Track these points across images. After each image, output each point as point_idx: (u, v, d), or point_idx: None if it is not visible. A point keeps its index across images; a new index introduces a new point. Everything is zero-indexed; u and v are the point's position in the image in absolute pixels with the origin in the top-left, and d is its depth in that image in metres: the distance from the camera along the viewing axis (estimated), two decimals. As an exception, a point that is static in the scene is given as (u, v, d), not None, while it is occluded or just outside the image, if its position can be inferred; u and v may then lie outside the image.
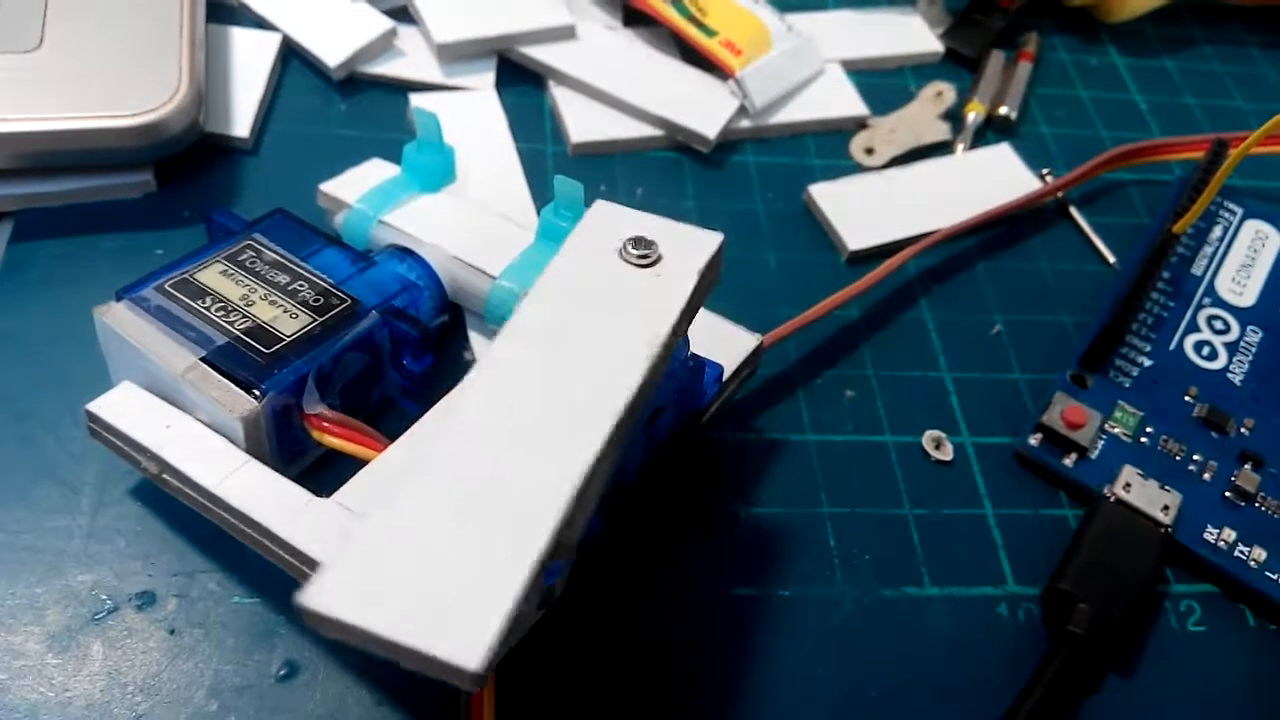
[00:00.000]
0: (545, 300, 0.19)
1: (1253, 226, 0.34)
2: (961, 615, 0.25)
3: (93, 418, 0.22)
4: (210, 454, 0.22)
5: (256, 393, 0.22)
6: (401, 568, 0.15)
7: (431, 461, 0.16)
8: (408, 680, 0.22)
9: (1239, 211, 0.34)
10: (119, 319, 0.23)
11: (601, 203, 0.21)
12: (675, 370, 0.22)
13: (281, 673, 0.22)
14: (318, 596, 0.15)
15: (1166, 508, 0.26)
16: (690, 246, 0.20)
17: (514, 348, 0.18)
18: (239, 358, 0.22)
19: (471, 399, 0.17)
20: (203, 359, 0.22)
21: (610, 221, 0.20)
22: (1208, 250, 0.33)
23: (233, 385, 0.22)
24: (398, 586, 0.15)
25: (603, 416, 0.17)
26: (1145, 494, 0.26)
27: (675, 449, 0.24)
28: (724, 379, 0.24)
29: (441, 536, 0.15)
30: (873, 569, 0.25)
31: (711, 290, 0.21)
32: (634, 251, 0.19)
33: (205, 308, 0.23)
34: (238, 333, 0.23)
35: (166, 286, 0.23)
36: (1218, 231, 0.34)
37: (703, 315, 0.26)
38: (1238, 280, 0.32)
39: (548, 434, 0.17)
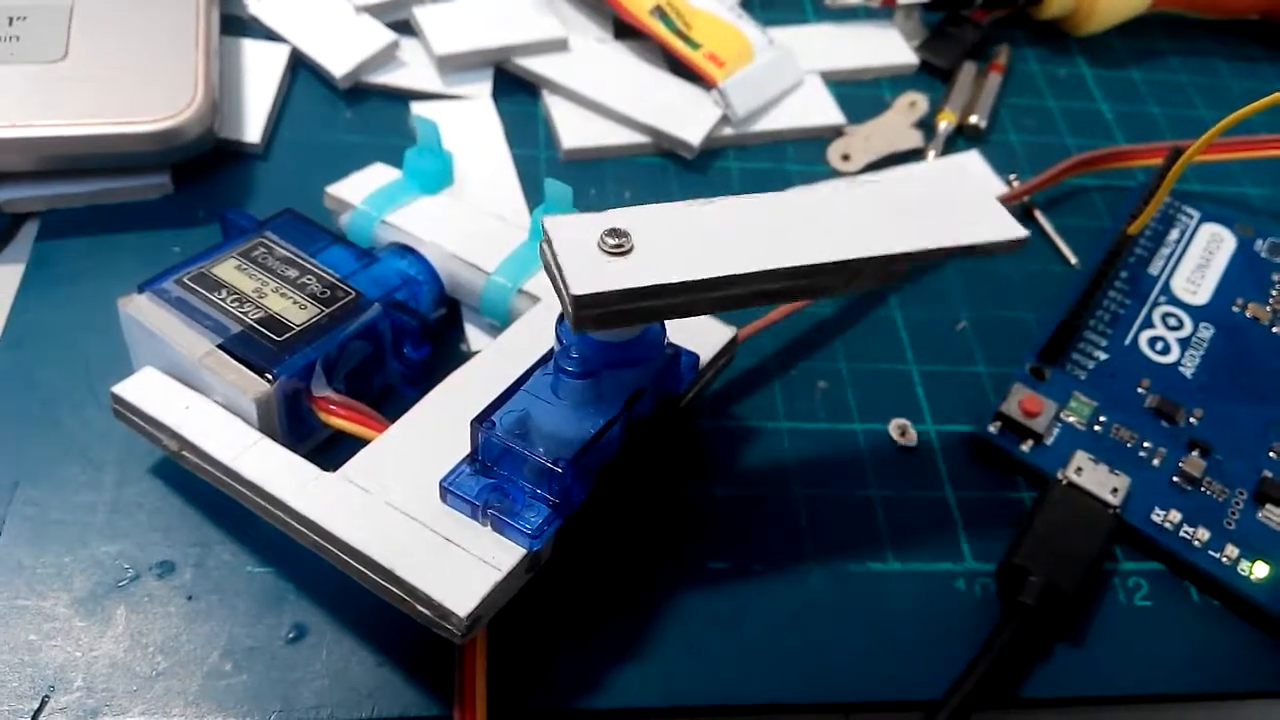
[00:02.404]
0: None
1: (1209, 229, 0.36)
2: (922, 589, 0.26)
3: (117, 399, 0.24)
4: (226, 432, 0.23)
5: (269, 376, 0.24)
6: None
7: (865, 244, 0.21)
8: (408, 641, 0.24)
9: (1196, 215, 0.36)
10: (141, 309, 0.25)
11: (546, 219, 0.21)
12: (653, 356, 0.23)
13: (290, 635, 0.24)
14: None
15: (1115, 490, 0.27)
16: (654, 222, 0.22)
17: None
18: (252, 345, 0.24)
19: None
20: (219, 345, 0.24)
21: (573, 227, 0.21)
22: (1165, 251, 0.35)
23: (247, 369, 0.24)
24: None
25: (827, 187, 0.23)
26: (1096, 477, 0.28)
27: (657, 434, 0.25)
28: (700, 367, 0.26)
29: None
30: (840, 546, 0.27)
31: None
32: (610, 242, 0.21)
33: (221, 299, 0.25)
34: (251, 322, 0.25)
35: (185, 280, 0.25)
36: (1175, 234, 0.36)
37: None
38: (1192, 280, 0.34)
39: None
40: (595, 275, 0.20)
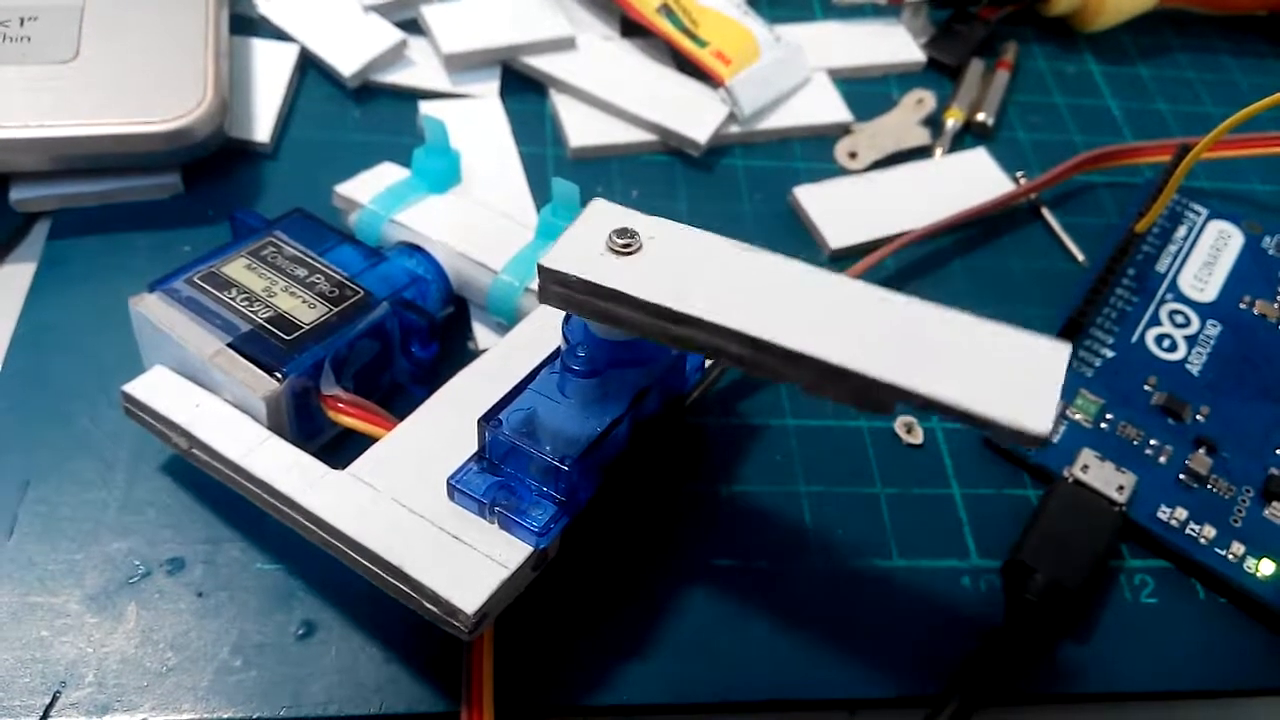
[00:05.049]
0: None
1: (1216, 226, 0.36)
2: (927, 585, 0.27)
3: (128, 398, 0.25)
4: (236, 430, 0.23)
5: (278, 375, 0.24)
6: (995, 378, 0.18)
7: (855, 357, 0.19)
8: (415, 638, 0.24)
9: (1204, 212, 0.36)
10: (152, 308, 0.25)
11: (541, 260, 0.21)
12: (659, 355, 0.23)
13: (300, 632, 0.24)
14: (1040, 423, 0.17)
15: (1121, 488, 0.27)
16: (615, 215, 0.22)
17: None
18: (262, 343, 0.24)
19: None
20: (229, 344, 0.24)
21: (568, 252, 0.21)
22: (1172, 249, 0.35)
23: (256, 368, 0.24)
24: (1012, 381, 0.18)
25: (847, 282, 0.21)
26: (1102, 475, 0.28)
27: (663, 432, 0.25)
28: (705, 366, 0.26)
29: (953, 355, 0.19)
30: (845, 543, 0.27)
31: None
32: (619, 241, 0.21)
33: (231, 298, 0.25)
34: (261, 321, 0.25)
35: (195, 279, 0.25)
36: (1182, 231, 0.35)
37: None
38: (1199, 277, 0.34)
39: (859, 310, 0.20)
40: (578, 258, 0.20)
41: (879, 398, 0.18)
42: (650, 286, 0.20)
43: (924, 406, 0.18)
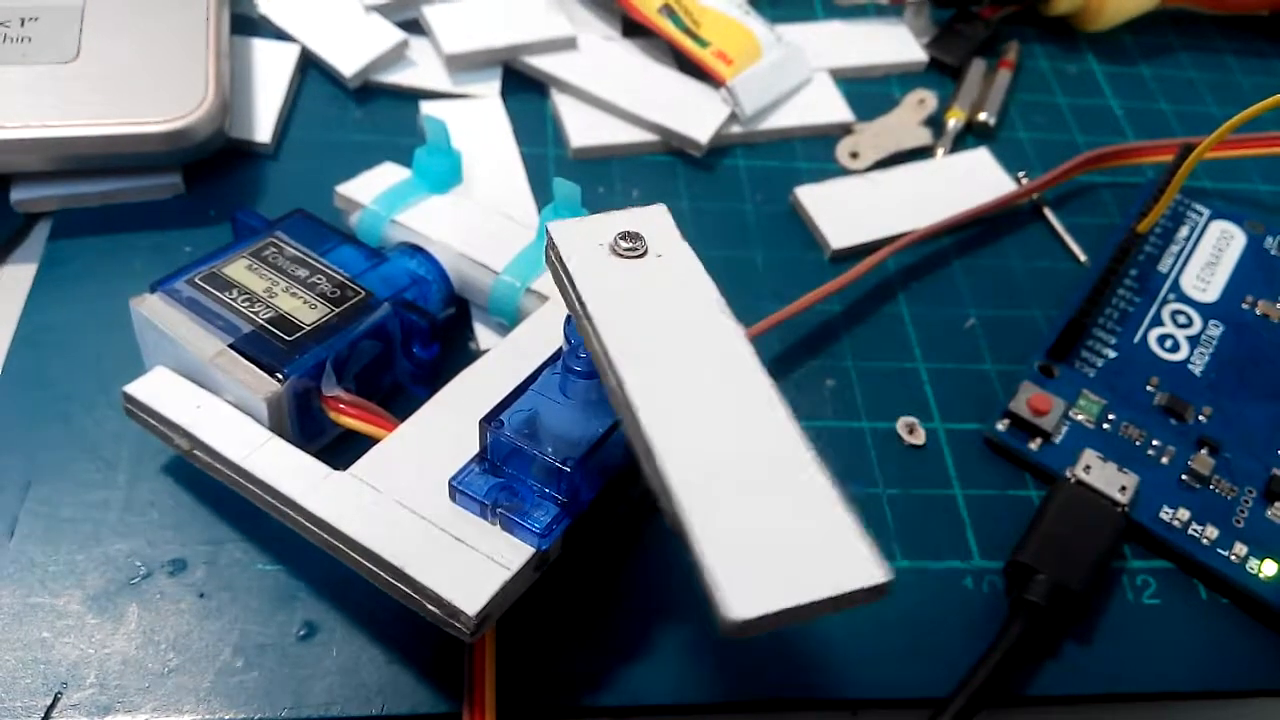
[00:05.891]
0: (618, 321, 0.20)
1: (1219, 226, 0.36)
2: (930, 586, 0.26)
3: (129, 399, 0.24)
4: (237, 431, 0.23)
5: (279, 376, 0.24)
6: (763, 547, 0.16)
7: (675, 448, 0.18)
8: (417, 639, 0.24)
9: (1206, 212, 0.36)
10: (153, 309, 0.25)
11: (552, 223, 0.22)
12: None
13: (301, 633, 0.24)
14: (741, 607, 0.15)
15: (1124, 488, 0.27)
16: (655, 223, 0.22)
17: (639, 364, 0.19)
18: (263, 344, 0.24)
19: (657, 420, 0.18)
20: (230, 345, 0.24)
21: (579, 231, 0.22)
22: (1174, 249, 0.35)
23: (258, 369, 0.24)
24: (774, 560, 0.16)
25: (760, 385, 0.19)
26: (1104, 475, 0.28)
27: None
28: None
29: (759, 504, 0.17)
30: (848, 543, 0.27)
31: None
32: (624, 245, 0.21)
33: (232, 299, 0.25)
34: (262, 322, 0.25)
35: (196, 279, 0.25)
36: (1185, 231, 0.35)
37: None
38: (1202, 277, 0.34)
39: (736, 413, 0.19)
40: (574, 237, 0.21)
41: (668, 507, 0.17)
42: (596, 290, 0.20)
43: (685, 546, 0.17)
